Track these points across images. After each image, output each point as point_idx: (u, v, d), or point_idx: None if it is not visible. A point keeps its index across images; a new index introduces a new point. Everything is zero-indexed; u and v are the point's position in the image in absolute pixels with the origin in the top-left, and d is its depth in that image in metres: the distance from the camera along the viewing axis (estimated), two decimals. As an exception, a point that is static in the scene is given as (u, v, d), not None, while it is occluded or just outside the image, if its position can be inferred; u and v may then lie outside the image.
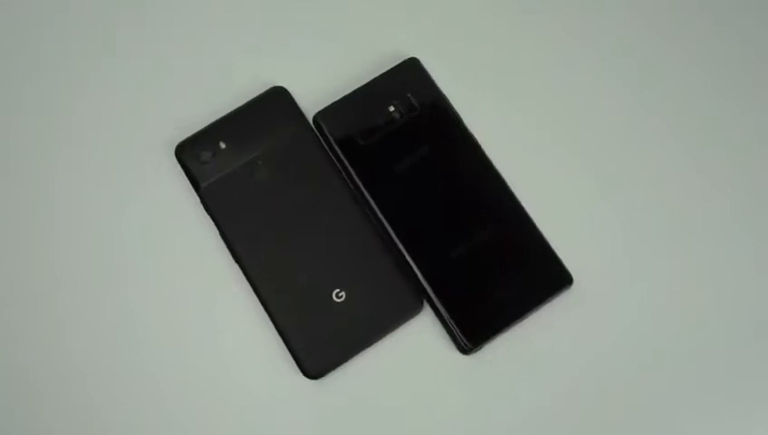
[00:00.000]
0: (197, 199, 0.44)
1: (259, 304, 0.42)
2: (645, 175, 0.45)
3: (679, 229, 0.45)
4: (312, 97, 0.46)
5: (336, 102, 0.45)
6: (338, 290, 0.42)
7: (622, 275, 0.44)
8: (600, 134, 0.46)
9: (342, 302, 0.42)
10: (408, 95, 0.45)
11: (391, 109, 0.45)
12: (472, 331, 0.42)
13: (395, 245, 0.43)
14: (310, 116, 0.45)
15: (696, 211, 0.45)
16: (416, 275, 0.42)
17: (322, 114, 0.45)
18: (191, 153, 0.44)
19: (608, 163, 0.46)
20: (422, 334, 0.43)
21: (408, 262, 0.43)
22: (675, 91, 0.47)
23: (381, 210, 0.43)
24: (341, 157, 0.44)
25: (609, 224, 0.45)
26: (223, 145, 0.44)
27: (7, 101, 0.47)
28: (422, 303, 0.43)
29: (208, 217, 0.44)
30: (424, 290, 0.42)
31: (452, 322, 0.42)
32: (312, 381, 0.42)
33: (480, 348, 0.42)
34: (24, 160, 0.46)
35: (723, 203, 0.45)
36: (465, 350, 0.42)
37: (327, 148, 0.45)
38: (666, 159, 0.46)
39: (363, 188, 0.44)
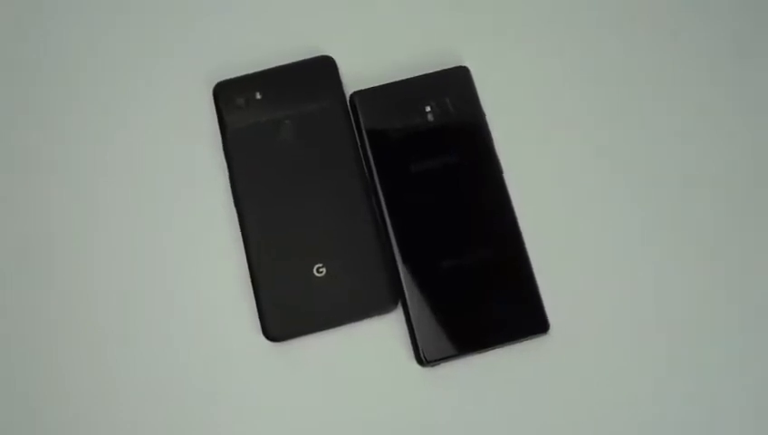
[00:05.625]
0: (220, 140, 0.45)
1: (244, 254, 0.43)
2: (669, 253, 0.44)
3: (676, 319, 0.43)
4: (358, 75, 0.46)
5: (376, 87, 0.45)
6: (320, 265, 0.43)
7: (603, 340, 0.43)
8: (627, 198, 0.45)
9: (321, 278, 0.43)
10: (448, 101, 0.45)
11: (427, 109, 0.45)
12: (433, 345, 0.42)
13: (388, 240, 0.43)
14: (349, 93, 0.46)
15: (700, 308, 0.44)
16: (398, 275, 0.43)
17: (360, 95, 0.45)
18: (227, 95, 0.45)
19: (632, 229, 0.45)
20: (387, 334, 0.43)
21: (396, 260, 0.43)
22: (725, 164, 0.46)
23: (386, 203, 0.44)
24: (365, 141, 0.45)
25: (607, 288, 0.44)
26: (259, 96, 0.45)
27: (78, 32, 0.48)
28: (396, 303, 0.43)
29: (225, 159, 0.45)
30: (401, 291, 0.43)
31: (417, 330, 0.42)
32: (270, 343, 0.43)
33: (436, 364, 0.42)
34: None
35: (722, 304, 0.44)
36: (421, 361, 0.42)
37: (355, 128, 0.45)
38: (691, 244, 0.45)
39: (376, 177, 0.44)
